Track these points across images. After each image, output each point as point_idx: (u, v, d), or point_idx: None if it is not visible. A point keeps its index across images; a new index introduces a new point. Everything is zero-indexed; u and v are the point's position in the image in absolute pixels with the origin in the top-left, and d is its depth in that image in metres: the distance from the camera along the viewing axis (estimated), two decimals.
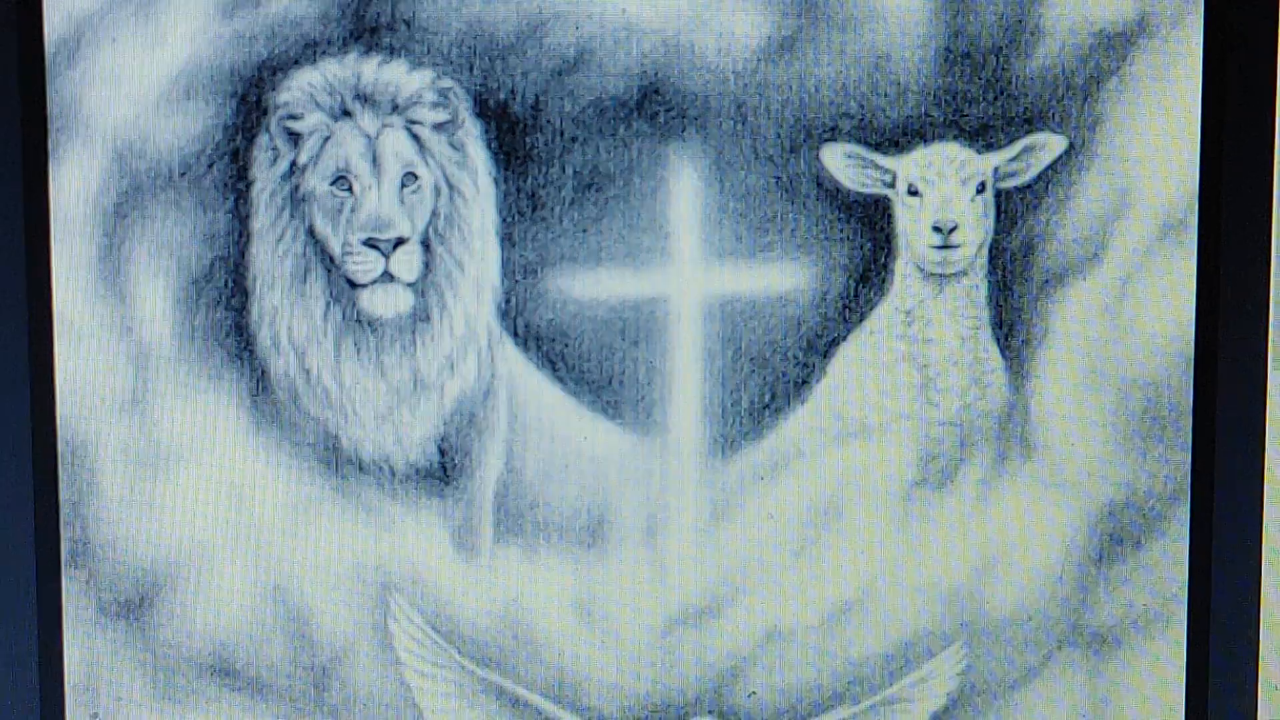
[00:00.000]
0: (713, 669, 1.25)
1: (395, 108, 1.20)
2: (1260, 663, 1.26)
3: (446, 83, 1.20)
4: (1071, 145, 1.22)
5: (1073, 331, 1.24)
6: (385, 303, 1.21)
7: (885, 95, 1.21)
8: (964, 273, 1.23)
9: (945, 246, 1.23)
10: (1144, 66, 1.22)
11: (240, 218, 1.20)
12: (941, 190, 1.22)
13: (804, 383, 1.23)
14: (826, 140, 1.21)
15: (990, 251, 1.23)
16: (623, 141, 1.21)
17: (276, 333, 1.21)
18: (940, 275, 1.23)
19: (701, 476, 1.24)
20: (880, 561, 1.25)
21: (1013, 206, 1.23)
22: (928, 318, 1.24)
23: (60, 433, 1.21)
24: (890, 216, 1.23)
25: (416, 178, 1.20)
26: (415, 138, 1.20)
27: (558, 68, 1.20)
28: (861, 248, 1.23)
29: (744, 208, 1.22)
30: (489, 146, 1.20)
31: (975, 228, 1.23)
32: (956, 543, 1.25)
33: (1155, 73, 1.22)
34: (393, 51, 1.19)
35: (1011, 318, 1.24)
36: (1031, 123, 1.22)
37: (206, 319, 1.21)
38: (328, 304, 1.21)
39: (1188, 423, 1.25)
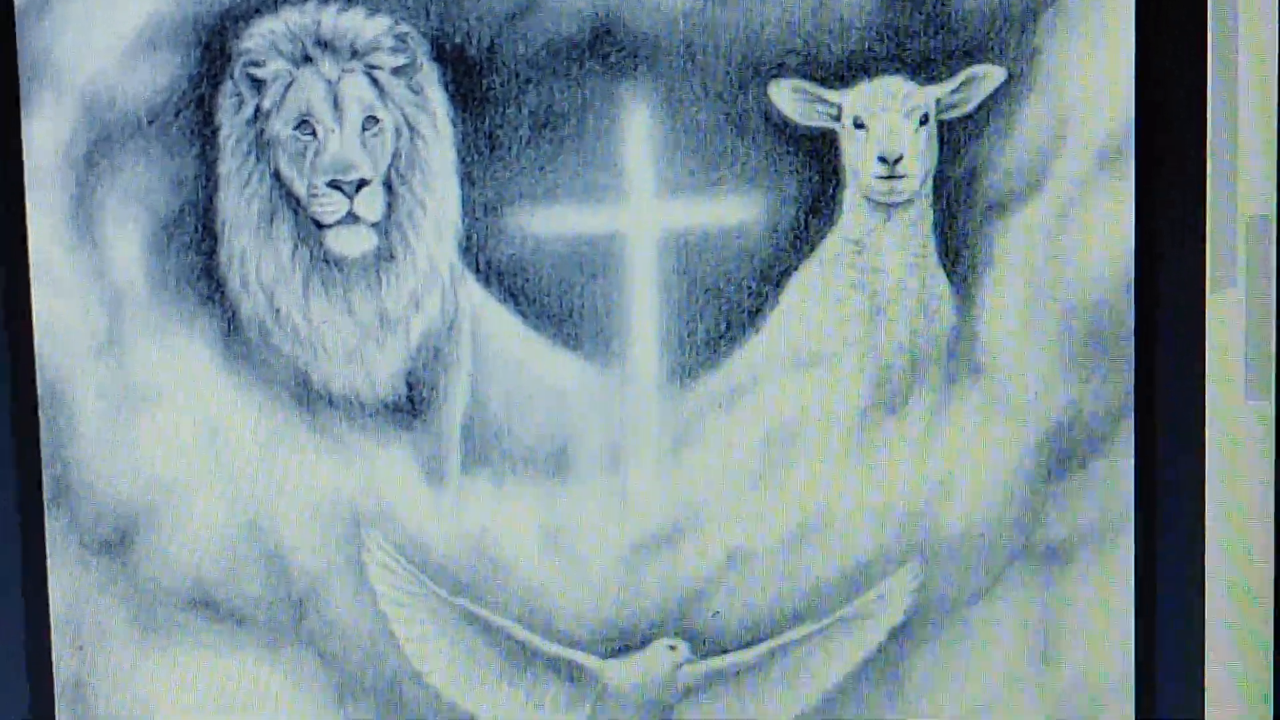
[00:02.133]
0: (677, 591, 1.29)
1: (355, 53, 1.23)
2: (1205, 573, 1.29)
3: (404, 28, 1.23)
4: (1010, 76, 1.26)
5: (1016, 258, 1.28)
6: (350, 242, 1.25)
7: (829, 32, 1.25)
8: (910, 202, 1.27)
9: (891, 176, 1.27)
10: None
11: (208, 163, 1.24)
12: (886, 122, 1.26)
13: (757, 312, 1.27)
14: (774, 76, 1.25)
15: (935, 181, 1.27)
16: (576, 81, 1.24)
17: (245, 274, 1.25)
18: (887, 205, 1.27)
19: (661, 405, 1.27)
20: (836, 484, 1.29)
21: (955, 137, 1.27)
22: (876, 247, 1.27)
23: (39, 375, 1.25)
24: (837, 149, 1.26)
25: (377, 120, 1.24)
26: (375, 82, 1.24)
27: (511, 11, 1.24)
28: (810, 180, 1.26)
29: (695, 143, 1.25)
30: (447, 89, 1.24)
31: (920, 158, 1.27)
32: (909, 464, 1.29)
33: (1090, 4, 1.26)
34: None
35: (957, 245, 1.27)
36: (971, 55, 1.26)
37: (177, 262, 1.24)
38: (295, 245, 1.24)
39: (1129, 344, 1.28)
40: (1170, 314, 1.27)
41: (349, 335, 1.26)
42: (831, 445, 1.29)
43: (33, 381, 1.24)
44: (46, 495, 1.25)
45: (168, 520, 1.27)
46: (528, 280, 1.26)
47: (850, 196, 1.27)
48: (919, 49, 1.25)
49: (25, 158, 1.23)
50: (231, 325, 1.25)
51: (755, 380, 1.28)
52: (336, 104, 1.23)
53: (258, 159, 1.24)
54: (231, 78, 1.23)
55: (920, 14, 1.25)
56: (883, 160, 1.26)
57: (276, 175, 1.24)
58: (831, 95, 1.25)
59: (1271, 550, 1.30)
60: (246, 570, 1.27)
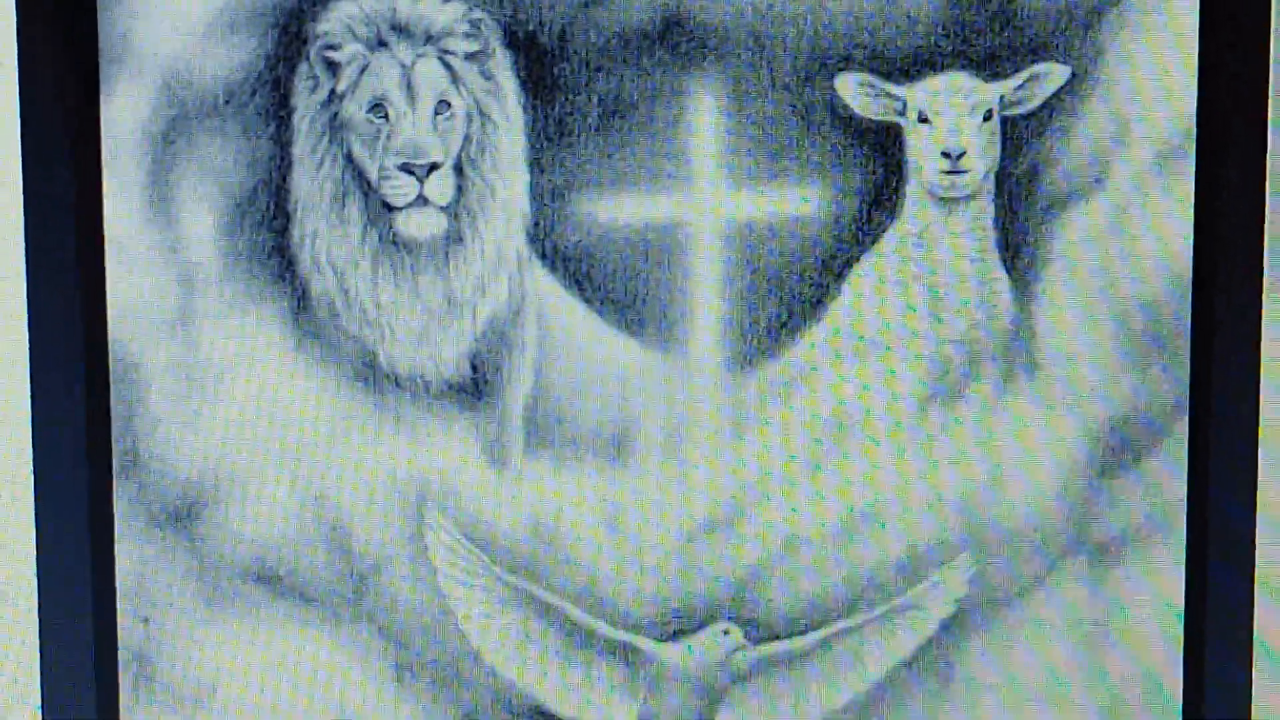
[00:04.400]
0: (733, 576, 1.31)
1: (429, 38, 1.25)
2: (1256, 571, 1.31)
3: (478, 14, 1.25)
4: (1074, 74, 1.28)
5: (1076, 253, 1.29)
6: (420, 225, 1.27)
7: (896, 26, 1.26)
8: (972, 197, 1.29)
9: (954, 171, 1.28)
10: None
11: (281, 144, 1.26)
12: (950, 117, 1.28)
13: (819, 302, 1.29)
14: (840, 70, 1.27)
15: (997, 176, 1.28)
16: (645, 71, 1.26)
17: (316, 254, 1.27)
18: (949, 199, 1.29)
19: (721, 392, 1.29)
20: (892, 474, 1.31)
21: (1018, 133, 1.28)
22: (937, 240, 1.29)
23: (111, 350, 1.27)
24: (901, 143, 1.28)
25: (449, 105, 1.26)
26: (448, 67, 1.25)
27: (584, 0, 1.25)
28: (873, 173, 1.28)
29: (761, 134, 1.27)
30: (518, 75, 1.26)
31: (982, 154, 1.28)
32: (965, 456, 1.31)
33: (1154, 4, 1.27)
34: None
35: (1017, 240, 1.29)
36: (1036, 53, 1.27)
37: (250, 241, 1.26)
38: (365, 226, 1.26)
39: (1186, 341, 1.30)
40: (1227, 313, 1.28)
41: (416, 317, 1.27)
42: (888, 435, 1.30)
43: (105, 356, 1.26)
44: (115, 468, 1.27)
45: (234, 495, 1.29)
46: (593, 266, 1.27)
47: (912, 190, 1.28)
48: (984, 46, 1.27)
49: (103, 137, 1.25)
50: (301, 304, 1.27)
51: (814, 369, 1.29)
52: (410, 88, 1.25)
53: (331, 141, 1.26)
54: (307, 60, 1.25)
55: (986, 11, 1.27)
56: (946, 155, 1.28)
57: (349, 157, 1.26)
58: (896, 90, 1.27)
59: None
60: (310, 546, 1.29)
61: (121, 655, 1.29)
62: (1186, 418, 1.30)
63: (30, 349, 1.24)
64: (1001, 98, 1.27)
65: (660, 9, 1.25)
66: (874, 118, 1.27)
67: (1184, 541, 1.31)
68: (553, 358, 1.28)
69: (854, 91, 1.27)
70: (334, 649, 1.30)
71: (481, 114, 1.26)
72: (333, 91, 1.25)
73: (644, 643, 1.31)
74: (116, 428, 1.27)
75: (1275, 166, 1.28)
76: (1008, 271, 1.29)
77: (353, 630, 1.30)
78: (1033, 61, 1.27)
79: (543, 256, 1.27)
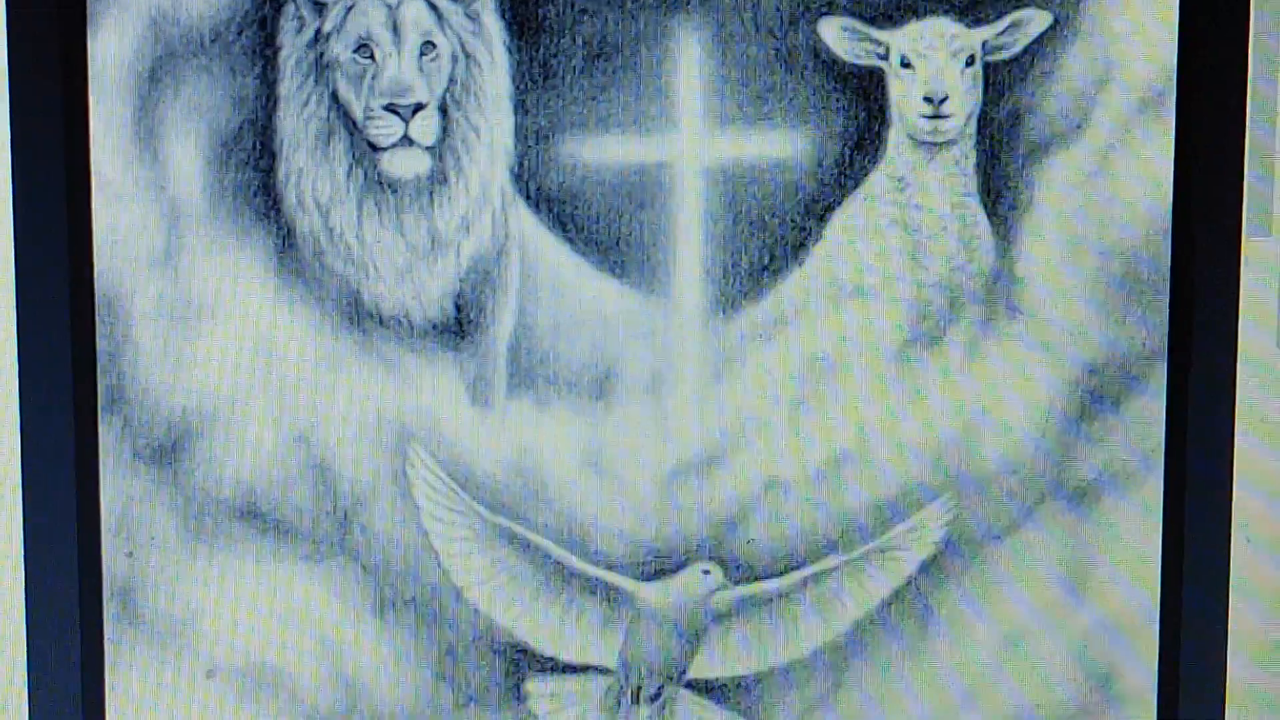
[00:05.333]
0: (713, 517, 1.32)
1: None
2: (1233, 514, 1.32)
3: None
4: (1056, 20, 1.28)
5: (1056, 199, 1.30)
6: (405, 165, 1.27)
7: None
8: (954, 142, 1.29)
9: (936, 116, 1.29)
10: None
11: (268, 83, 1.26)
12: (933, 62, 1.28)
13: (801, 246, 1.30)
14: (823, 14, 1.27)
15: (979, 122, 1.29)
16: (630, 14, 1.27)
17: (301, 193, 1.27)
18: (931, 144, 1.29)
19: (704, 334, 1.30)
20: (873, 416, 1.32)
21: (1000, 79, 1.29)
22: (919, 184, 1.30)
23: (97, 285, 1.27)
24: (884, 87, 1.29)
25: (435, 46, 1.26)
26: (434, 8, 1.26)
27: None
28: (856, 117, 1.29)
29: (745, 78, 1.28)
30: (503, 17, 1.26)
31: (965, 99, 1.29)
32: (945, 399, 1.32)
33: None
34: None
35: (999, 185, 1.30)
36: None
37: (236, 179, 1.27)
38: (350, 166, 1.27)
39: (1165, 287, 1.31)
40: (1206, 260, 1.29)
41: (400, 256, 1.28)
42: (869, 378, 1.31)
43: (91, 291, 1.27)
44: (101, 403, 1.28)
45: (219, 431, 1.30)
46: (577, 208, 1.28)
47: (895, 135, 1.29)
48: None
49: (90, 74, 1.25)
50: (286, 242, 1.28)
51: (796, 312, 1.30)
52: (395, 29, 1.26)
53: (316, 81, 1.26)
54: (293, 0, 1.26)
55: None
56: (928, 100, 1.29)
57: (334, 97, 1.27)
58: (880, 34, 1.28)
59: None
60: (294, 482, 1.30)
61: (106, 589, 1.30)
62: (1165, 362, 1.31)
63: (16, 284, 1.25)
64: (984, 43, 1.28)
65: None
66: (857, 62, 1.28)
67: (1161, 486, 1.32)
68: (536, 298, 1.29)
69: (837, 36, 1.28)
70: (316, 585, 1.31)
71: (466, 55, 1.26)
72: (319, 31, 1.26)
73: (624, 582, 1.32)
74: (102, 363, 1.28)
75: (1253, 114, 1.29)
76: (989, 216, 1.30)
77: (335, 566, 1.31)
78: (1015, 7, 1.28)
79: (527, 197, 1.28)
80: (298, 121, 1.26)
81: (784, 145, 1.28)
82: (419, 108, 1.26)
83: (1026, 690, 1.34)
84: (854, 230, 1.30)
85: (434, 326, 1.29)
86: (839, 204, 1.29)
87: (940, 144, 1.29)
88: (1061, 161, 1.29)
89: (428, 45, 1.26)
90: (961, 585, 1.33)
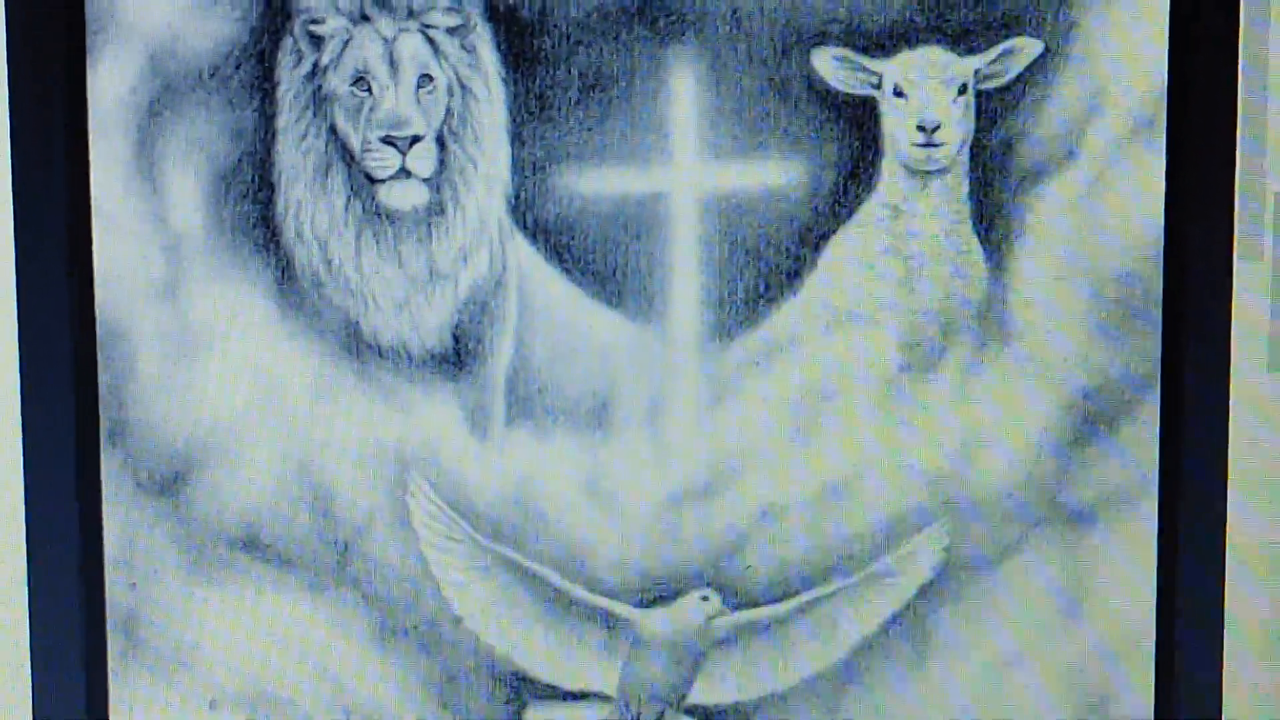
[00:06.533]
0: (711, 544, 1.32)
1: (411, 13, 1.27)
2: (1227, 538, 1.32)
3: None
4: (1047, 49, 1.29)
5: (1049, 225, 1.31)
6: (402, 197, 1.28)
7: (872, 1, 1.28)
8: (946, 170, 1.30)
9: (928, 145, 1.30)
10: None
11: (266, 116, 1.28)
12: (925, 91, 1.29)
13: (796, 274, 1.30)
14: (816, 44, 1.28)
15: (971, 150, 1.30)
16: (625, 45, 1.28)
17: (300, 224, 1.28)
18: (924, 172, 1.30)
19: (700, 362, 1.31)
20: (869, 442, 1.32)
21: (992, 107, 1.30)
22: (912, 212, 1.31)
23: (99, 318, 1.28)
24: (877, 116, 1.30)
25: (431, 79, 1.27)
26: (430, 41, 1.27)
27: None
28: (850, 146, 1.30)
29: (739, 108, 1.29)
30: (499, 49, 1.28)
31: (957, 127, 1.30)
32: (939, 425, 1.32)
33: None
34: None
35: (991, 212, 1.31)
36: (1010, 28, 1.29)
37: (235, 211, 1.28)
38: (348, 198, 1.28)
39: (1158, 312, 1.31)
40: (1198, 284, 1.30)
41: (398, 287, 1.29)
42: (864, 405, 1.32)
43: (93, 324, 1.28)
44: (103, 435, 1.29)
45: (220, 462, 1.30)
46: (573, 238, 1.29)
47: (888, 163, 1.30)
48: (959, 20, 1.29)
49: (90, 106, 1.26)
50: (285, 274, 1.29)
51: (792, 340, 1.31)
52: (392, 62, 1.27)
53: (314, 114, 1.27)
54: (291, 34, 1.27)
55: None
56: (921, 129, 1.30)
57: (332, 130, 1.28)
58: (873, 64, 1.29)
59: None
60: (294, 513, 1.31)
61: (109, 620, 1.31)
62: (1159, 387, 1.32)
63: (19, 317, 1.26)
64: (976, 72, 1.29)
65: None
66: (850, 92, 1.29)
67: (1155, 511, 1.33)
68: (533, 329, 1.30)
69: (830, 66, 1.29)
70: (317, 614, 1.32)
71: (463, 87, 1.27)
72: (316, 65, 1.27)
73: (624, 609, 1.33)
74: (104, 396, 1.29)
75: (1244, 142, 1.30)
76: (982, 243, 1.31)
77: (336, 596, 1.31)
78: (1006, 36, 1.29)
79: (524, 228, 1.29)
80: (296, 154, 1.27)
81: (778, 175, 1.29)
82: (416, 140, 1.27)
83: (1022, 714, 1.35)
84: (848, 258, 1.30)
85: (433, 357, 1.30)
86: (833, 232, 1.30)
87: (933, 172, 1.30)
88: (1053, 188, 1.30)
89: (424, 78, 1.27)
90: (958, 609, 1.34)
